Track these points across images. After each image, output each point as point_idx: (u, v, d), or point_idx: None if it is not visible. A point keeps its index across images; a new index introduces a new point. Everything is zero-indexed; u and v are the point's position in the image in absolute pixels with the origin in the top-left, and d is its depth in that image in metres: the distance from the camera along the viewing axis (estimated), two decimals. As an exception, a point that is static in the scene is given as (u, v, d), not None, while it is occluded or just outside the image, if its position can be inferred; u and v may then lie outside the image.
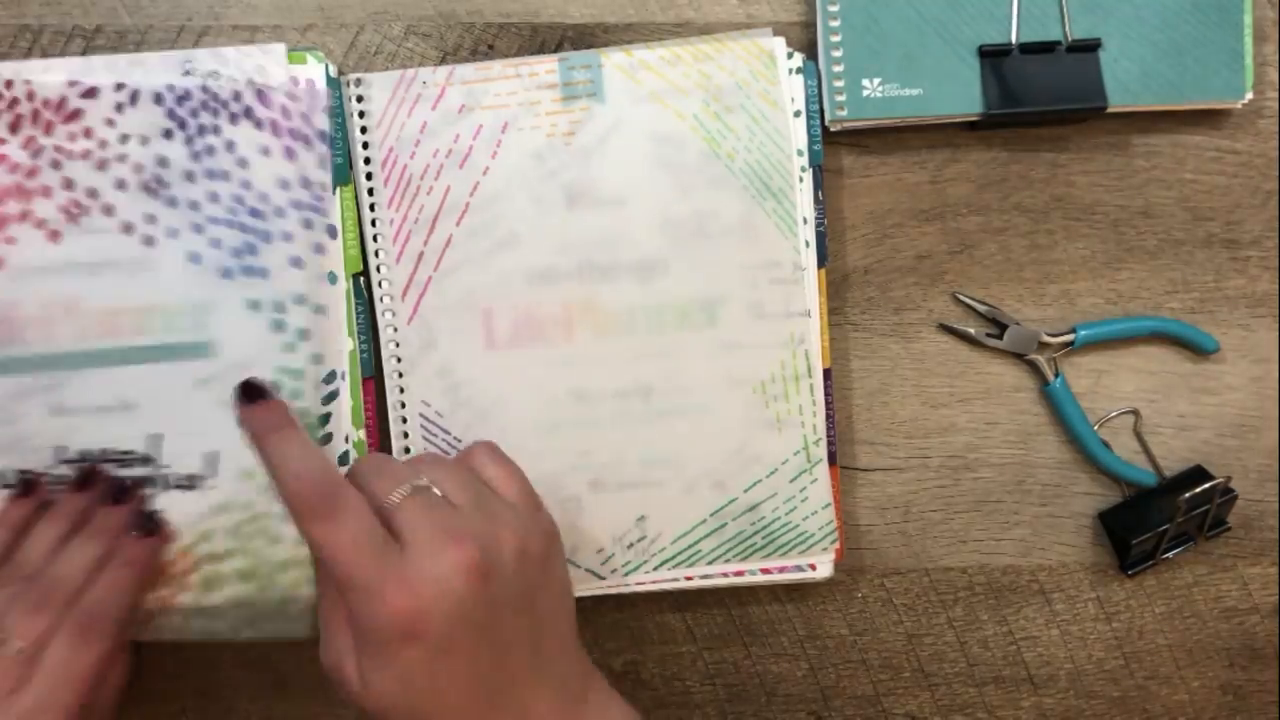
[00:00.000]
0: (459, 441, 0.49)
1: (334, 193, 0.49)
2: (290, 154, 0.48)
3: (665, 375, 0.49)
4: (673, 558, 0.50)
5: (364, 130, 0.49)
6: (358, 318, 0.49)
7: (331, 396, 0.49)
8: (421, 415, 0.49)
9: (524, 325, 0.49)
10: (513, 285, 0.49)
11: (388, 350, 0.50)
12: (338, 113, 0.49)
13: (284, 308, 0.48)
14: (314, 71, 0.49)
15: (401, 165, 0.49)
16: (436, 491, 0.39)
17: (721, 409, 0.49)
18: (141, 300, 0.48)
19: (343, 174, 0.49)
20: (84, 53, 0.51)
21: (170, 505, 0.48)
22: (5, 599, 0.42)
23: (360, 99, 0.49)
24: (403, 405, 0.50)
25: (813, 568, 0.51)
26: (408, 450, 0.50)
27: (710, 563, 0.50)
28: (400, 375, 0.50)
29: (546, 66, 0.49)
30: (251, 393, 0.40)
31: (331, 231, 0.49)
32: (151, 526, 0.47)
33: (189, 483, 0.48)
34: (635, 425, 0.49)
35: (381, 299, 0.50)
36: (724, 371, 0.49)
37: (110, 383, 0.48)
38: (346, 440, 0.49)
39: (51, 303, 0.48)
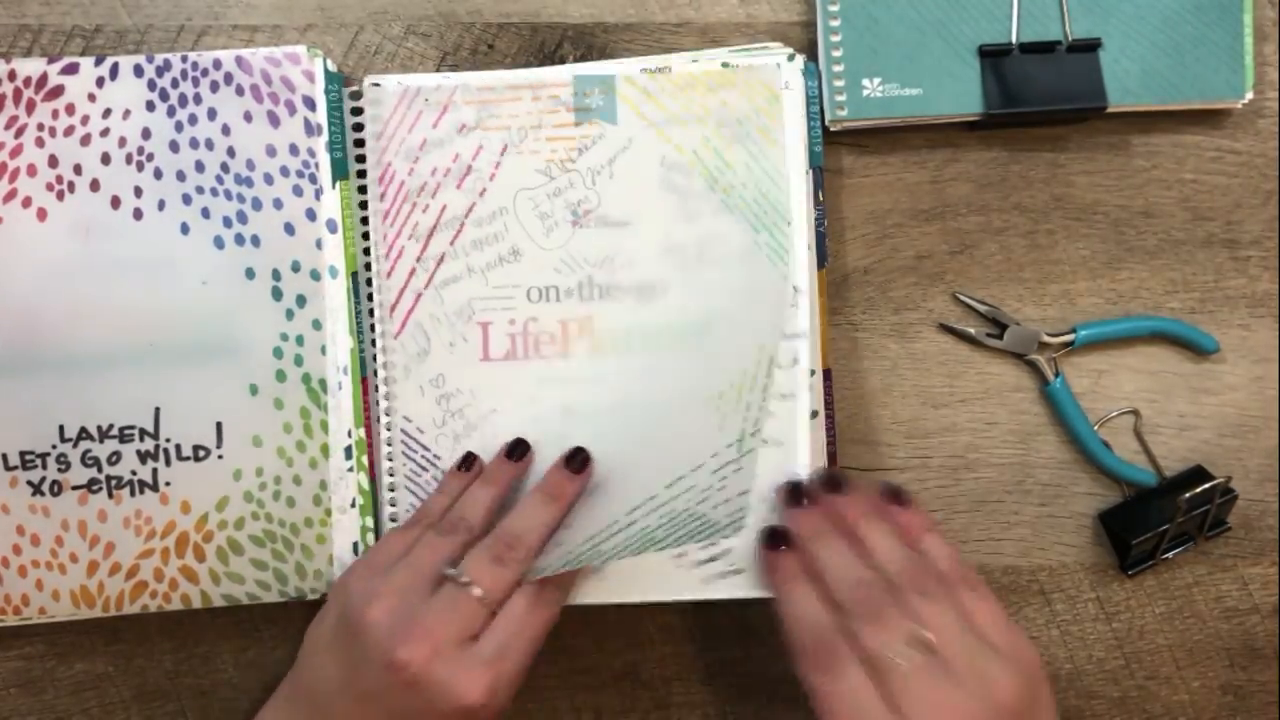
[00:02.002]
0: (437, 459, 0.49)
1: (333, 187, 0.49)
2: (274, 120, 0.48)
3: (650, 393, 0.49)
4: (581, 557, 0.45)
5: (359, 144, 0.49)
6: (356, 316, 0.49)
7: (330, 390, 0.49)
8: (404, 431, 0.49)
9: (521, 340, 0.49)
10: (513, 300, 0.49)
11: (372, 362, 0.50)
12: (337, 108, 0.49)
13: (280, 275, 0.48)
14: (312, 66, 0.49)
15: (399, 181, 0.49)
16: (929, 636, 0.39)
17: (691, 426, 0.47)
18: (155, 298, 0.48)
19: (342, 168, 0.49)
20: (84, 53, 0.51)
21: (180, 476, 0.48)
22: (457, 546, 0.44)
23: (357, 112, 0.49)
24: (386, 415, 0.50)
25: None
26: (389, 459, 0.50)
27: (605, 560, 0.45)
28: (382, 386, 0.49)
29: (556, 89, 0.49)
30: (775, 538, 0.45)
31: (331, 226, 0.49)
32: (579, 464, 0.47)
33: (195, 454, 0.48)
34: (614, 442, 0.49)
35: (373, 310, 0.49)
36: (704, 392, 0.48)
37: (123, 375, 0.48)
38: (349, 436, 0.49)
39: (68, 305, 0.48)
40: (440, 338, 0.49)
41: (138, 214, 0.48)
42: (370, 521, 0.49)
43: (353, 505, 0.49)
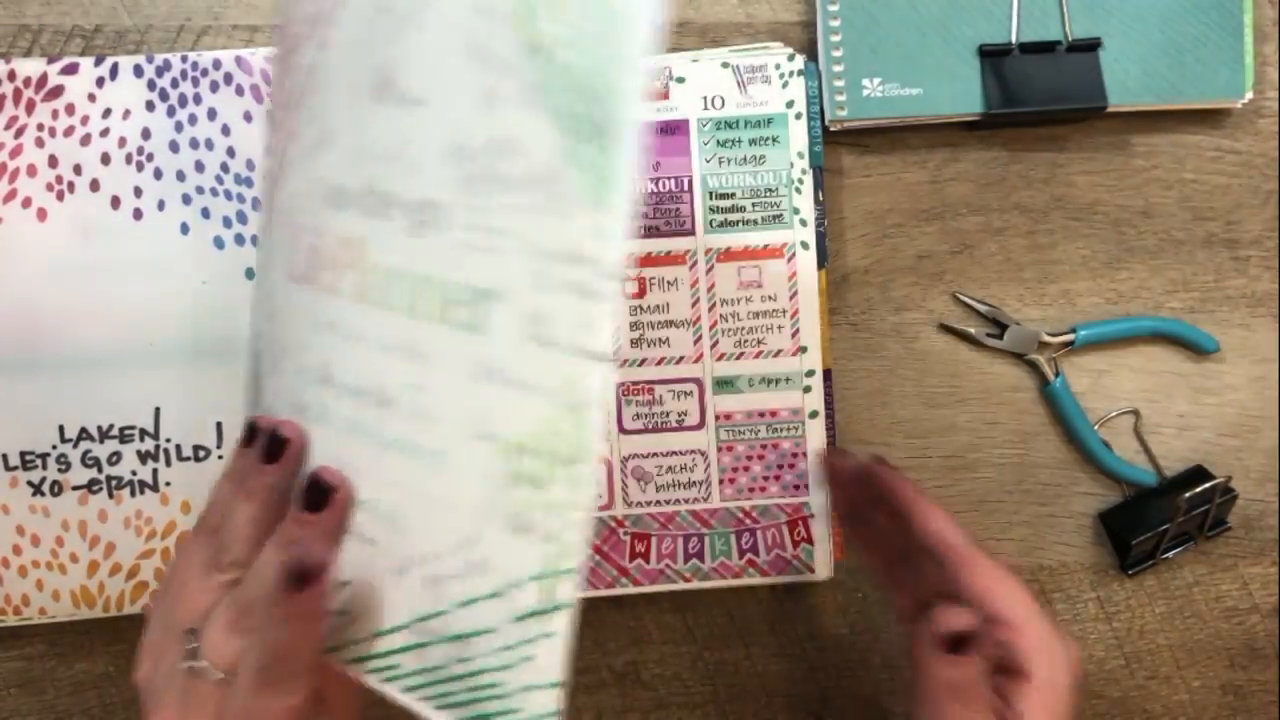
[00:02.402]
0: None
1: None
2: (274, 119, 0.48)
3: (410, 386, 0.33)
4: (365, 659, 0.35)
5: None
6: None
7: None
8: None
9: (311, 257, 0.36)
10: (314, 201, 0.36)
11: None
12: None
13: None
14: None
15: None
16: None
17: (459, 466, 0.32)
18: (155, 298, 0.48)
19: None
20: (83, 53, 0.51)
21: (180, 477, 0.48)
22: (216, 589, 0.36)
23: None
24: None
25: (811, 570, 0.51)
26: None
27: (406, 690, 0.34)
28: None
29: None
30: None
31: None
32: (317, 500, 0.34)
33: (195, 454, 0.48)
34: (364, 444, 0.34)
35: None
36: (475, 409, 0.32)
37: (123, 375, 0.48)
38: None
39: (68, 305, 0.48)
40: (277, 243, 0.38)
41: (138, 214, 0.48)
42: None
43: None
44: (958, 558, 0.40)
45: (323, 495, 0.34)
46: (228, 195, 0.48)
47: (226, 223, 0.48)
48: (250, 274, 0.48)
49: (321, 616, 0.34)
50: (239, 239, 0.48)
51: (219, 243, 0.48)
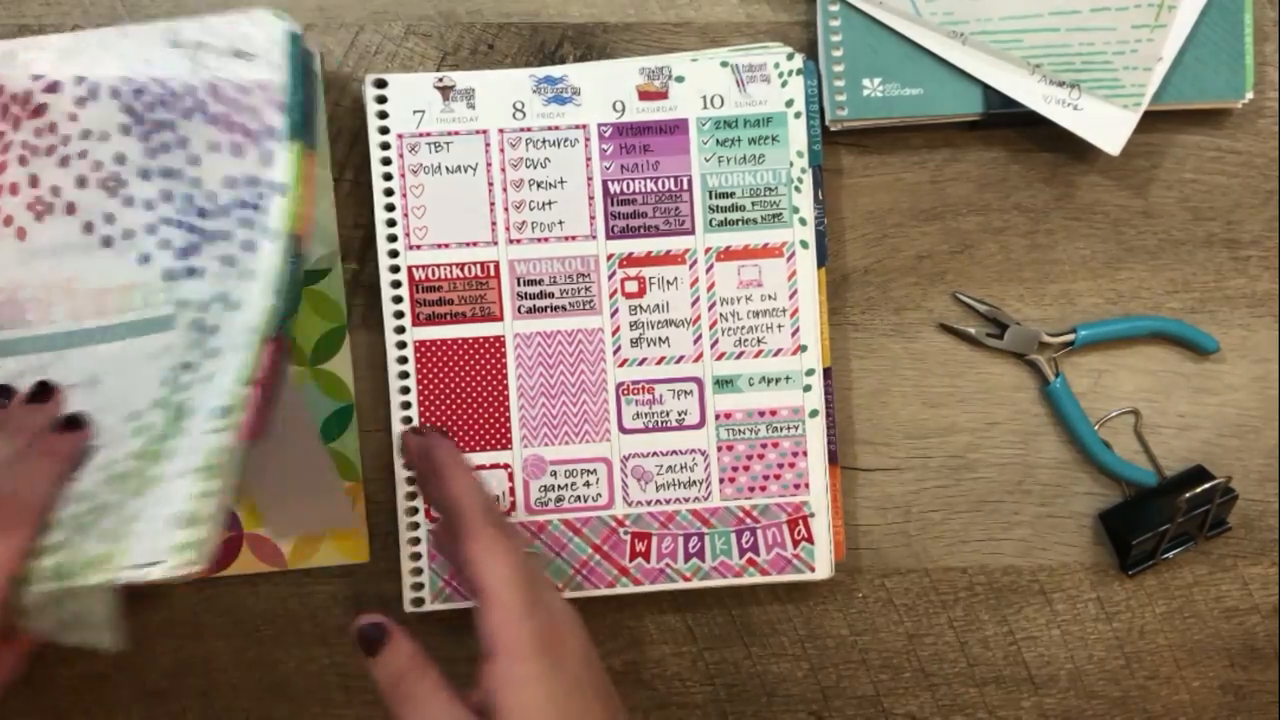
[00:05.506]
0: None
1: (284, 144, 0.46)
2: (237, 150, 0.47)
3: None
4: None
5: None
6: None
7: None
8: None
9: None
10: None
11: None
12: (298, 68, 0.46)
13: (207, 307, 0.47)
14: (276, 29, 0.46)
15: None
16: None
17: None
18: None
19: (299, 131, 0.46)
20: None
21: None
22: None
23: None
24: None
25: (812, 569, 0.51)
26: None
27: None
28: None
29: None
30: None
31: (281, 189, 0.46)
32: (71, 423, 0.44)
33: None
34: None
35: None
36: None
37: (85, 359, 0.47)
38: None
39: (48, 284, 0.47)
40: None
41: (107, 241, 0.47)
42: None
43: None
44: (463, 523, 0.41)
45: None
46: (188, 228, 0.47)
47: (182, 254, 0.47)
48: (184, 305, 0.46)
49: (67, 460, 0.42)
50: (189, 271, 0.47)
51: (170, 275, 0.47)
